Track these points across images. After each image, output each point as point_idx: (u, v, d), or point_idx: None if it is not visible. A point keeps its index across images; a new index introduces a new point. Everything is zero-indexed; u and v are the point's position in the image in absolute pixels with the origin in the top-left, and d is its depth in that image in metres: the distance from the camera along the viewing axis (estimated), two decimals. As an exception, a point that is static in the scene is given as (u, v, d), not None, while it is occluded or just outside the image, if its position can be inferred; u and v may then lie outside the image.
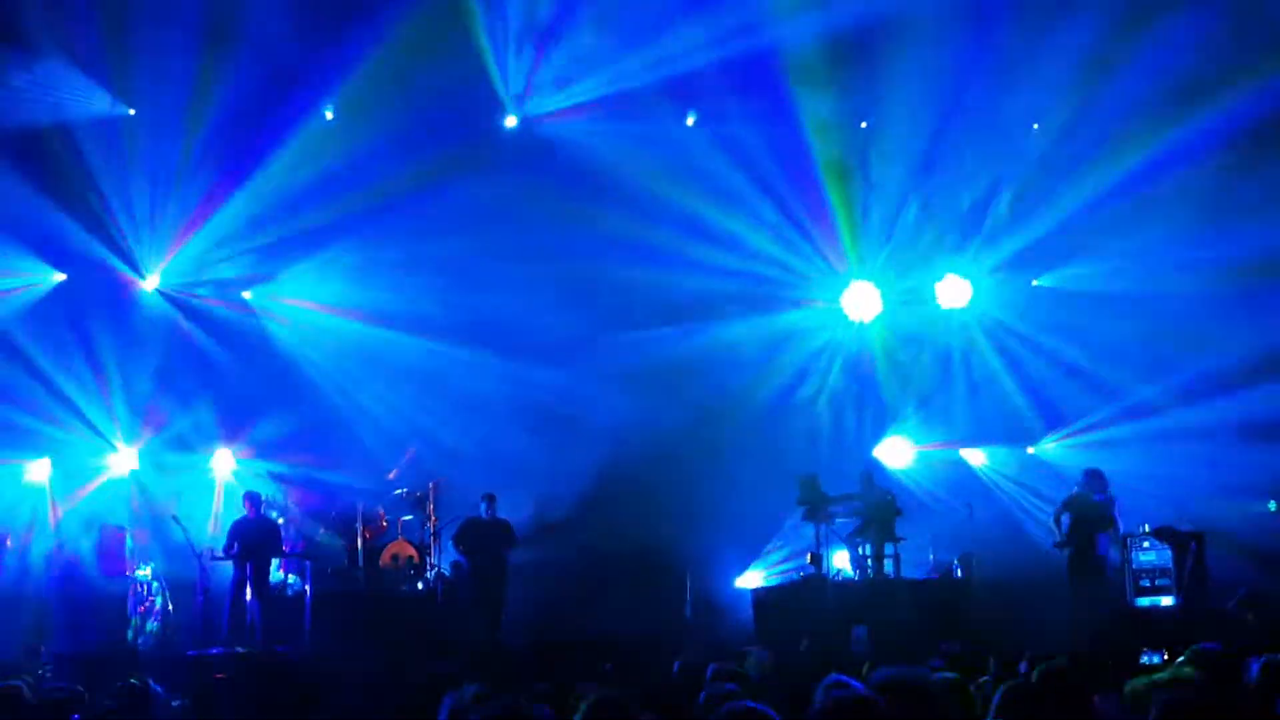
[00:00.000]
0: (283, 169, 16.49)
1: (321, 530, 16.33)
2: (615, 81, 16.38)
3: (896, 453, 18.85)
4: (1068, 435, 18.18)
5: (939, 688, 5.46)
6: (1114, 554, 15.13)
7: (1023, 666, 7.50)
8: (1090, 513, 15.04)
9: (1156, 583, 14.86)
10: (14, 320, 16.38)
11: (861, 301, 18.88)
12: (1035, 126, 17.65)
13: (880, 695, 4.76)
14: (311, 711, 9.96)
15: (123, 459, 16.81)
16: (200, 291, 17.34)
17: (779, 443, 17.80)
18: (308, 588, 14.82)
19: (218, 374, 17.19)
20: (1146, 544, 15.15)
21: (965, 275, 18.66)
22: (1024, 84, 16.44)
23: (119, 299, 16.98)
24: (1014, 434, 18.63)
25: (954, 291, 18.72)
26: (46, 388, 16.36)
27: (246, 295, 17.56)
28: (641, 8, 15.70)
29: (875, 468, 17.47)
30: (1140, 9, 15.07)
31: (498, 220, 17.08)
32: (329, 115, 16.70)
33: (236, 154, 16.35)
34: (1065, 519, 15.14)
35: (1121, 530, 15.14)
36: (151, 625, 14.82)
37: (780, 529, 17.42)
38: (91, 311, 16.77)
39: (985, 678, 6.52)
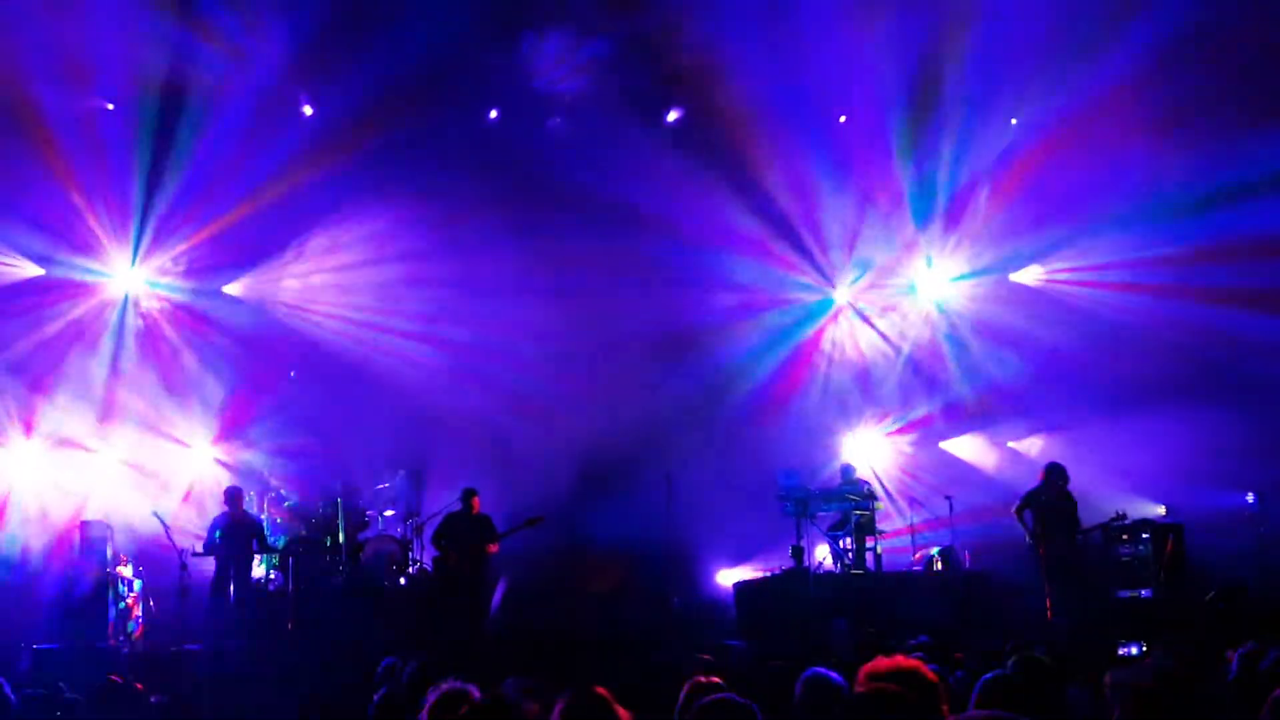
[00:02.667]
0: (266, 163, 16.53)
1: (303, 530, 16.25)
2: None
3: (878, 446, 18.94)
4: (1045, 427, 18.26)
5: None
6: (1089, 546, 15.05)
7: (1002, 659, 7.54)
8: (1051, 508, 14.80)
9: (1135, 574, 14.90)
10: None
11: (848, 296, 19.07)
12: (1014, 121, 17.73)
13: (877, 684, 4.77)
14: (292, 707, 9.96)
15: (104, 453, 16.75)
16: (179, 285, 17.32)
17: (763, 437, 17.86)
18: (290, 584, 14.78)
19: (199, 368, 17.15)
20: (1125, 536, 15.18)
21: (944, 270, 18.80)
22: (1004, 76, 16.53)
23: (97, 291, 16.97)
24: (994, 427, 18.71)
25: (927, 286, 18.96)
26: (30, 380, 16.32)
27: (229, 289, 17.56)
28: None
29: (855, 462, 17.53)
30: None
31: (488, 217, 17.07)
32: (307, 111, 16.74)
33: (219, 148, 16.30)
34: (1027, 515, 14.73)
35: (1082, 525, 14.86)
36: (132, 623, 14.76)
37: (762, 523, 17.44)
38: (70, 304, 16.76)
39: (960, 672, 6.56)
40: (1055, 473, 14.76)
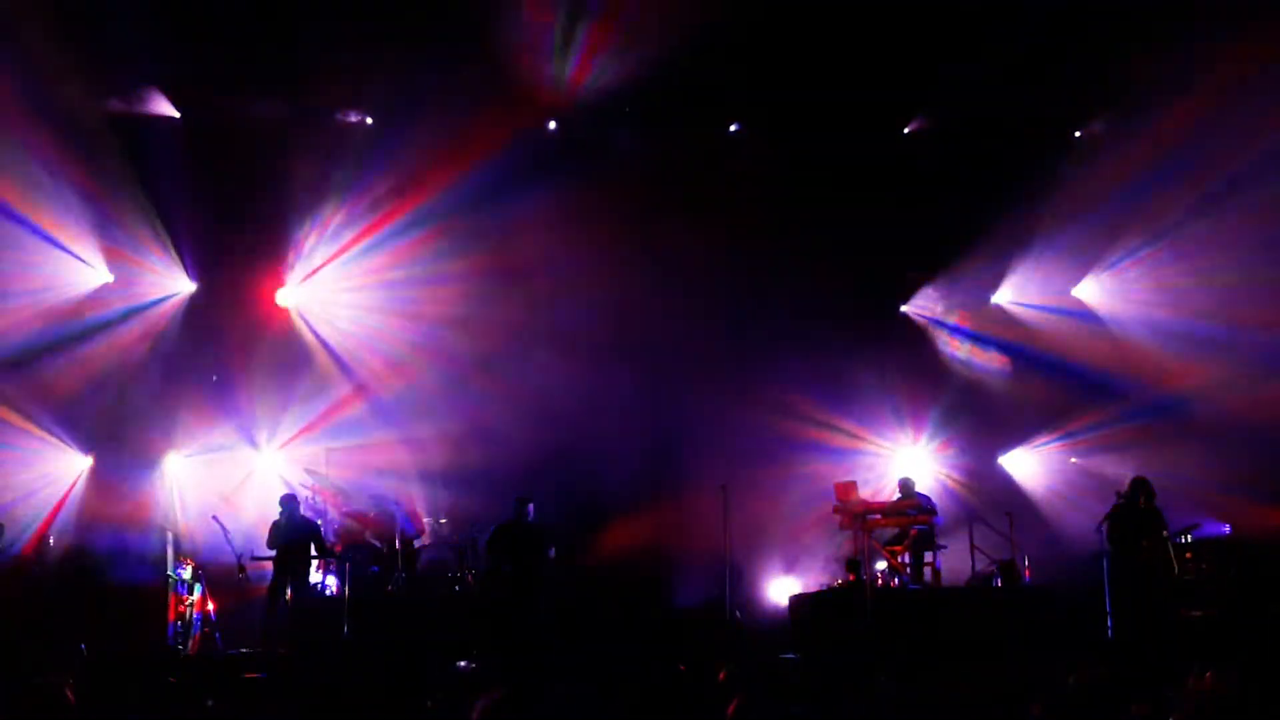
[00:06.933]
0: (322, 172, 16.72)
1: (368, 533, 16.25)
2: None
3: (938, 460, 18.78)
4: (1113, 441, 18.04)
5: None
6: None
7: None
8: (1132, 522, 14.69)
9: (1199, 592, 14.62)
10: (65, 318, 16.59)
11: (913, 311, 19.08)
12: (1077, 134, 17.60)
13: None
14: (346, 713, 9.98)
15: (167, 458, 16.95)
16: (236, 294, 17.50)
17: (821, 449, 17.75)
18: (346, 589, 14.84)
19: (257, 374, 17.31)
20: (1190, 554, 14.92)
21: (1008, 287, 18.72)
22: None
23: (161, 299, 17.20)
24: (1057, 442, 18.53)
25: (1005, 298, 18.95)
26: (90, 387, 16.55)
27: (281, 298, 17.74)
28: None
29: (914, 476, 17.36)
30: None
31: (552, 224, 17.06)
32: (369, 121, 16.90)
33: (275, 158, 16.50)
34: (1104, 527, 14.70)
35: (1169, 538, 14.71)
36: (190, 626, 14.88)
37: (819, 536, 17.34)
38: (136, 311, 16.99)
39: (1019, 690, 6.47)
40: (1137, 487, 14.71)
